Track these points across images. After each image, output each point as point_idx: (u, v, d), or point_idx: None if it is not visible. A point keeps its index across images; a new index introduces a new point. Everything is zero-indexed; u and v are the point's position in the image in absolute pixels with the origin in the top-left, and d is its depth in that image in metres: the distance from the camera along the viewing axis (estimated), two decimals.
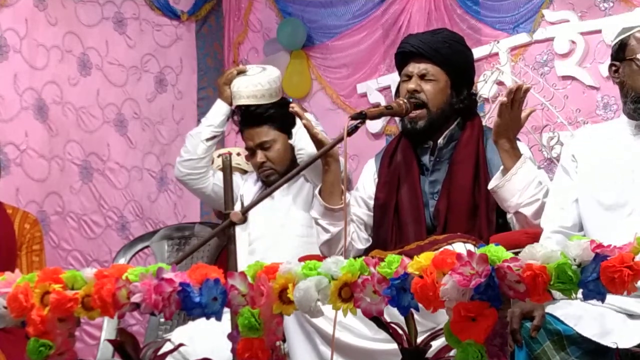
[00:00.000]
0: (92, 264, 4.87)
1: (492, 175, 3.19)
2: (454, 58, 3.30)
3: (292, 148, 3.80)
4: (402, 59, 3.35)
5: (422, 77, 3.28)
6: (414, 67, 3.29)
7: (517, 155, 3.10)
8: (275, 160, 3.82)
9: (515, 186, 3.07)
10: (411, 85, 3.27)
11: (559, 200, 2.93)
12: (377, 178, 3.39)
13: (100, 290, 2.29)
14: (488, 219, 3.18)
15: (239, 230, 3.65)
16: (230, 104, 3.89)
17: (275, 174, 3.80)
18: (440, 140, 3.29)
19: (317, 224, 3.33)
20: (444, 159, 3.28)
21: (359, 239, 3.35)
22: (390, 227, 3.28)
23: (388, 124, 4.99)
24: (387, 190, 3.32)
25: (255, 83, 3.85)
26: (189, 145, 3.93)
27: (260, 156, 3.83)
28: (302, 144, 3.68)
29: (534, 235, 2.90)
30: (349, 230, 3.29)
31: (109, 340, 3.38)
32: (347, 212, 3.25)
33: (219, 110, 3.92)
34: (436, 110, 3.26)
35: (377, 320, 2.22)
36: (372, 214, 3.37)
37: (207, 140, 3.90)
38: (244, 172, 4.25)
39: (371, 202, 3.37)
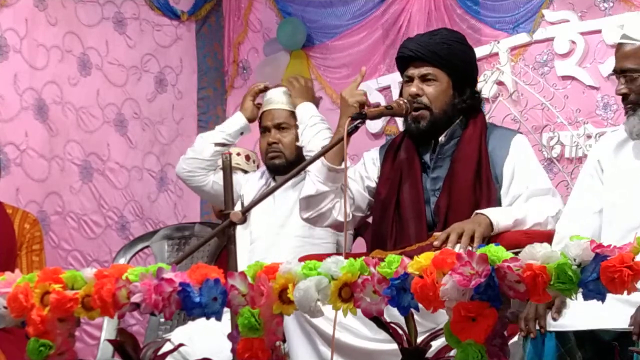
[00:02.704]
0: (92, 264, 4.87)
1: (494, 172, 3.20)
2: (453, 58, 3.29)
3: None
4: (402, 62, 3.36)
5: (423, 78, 3.28)
6: (415, 70, 3.29)
7: (485, 220, 3.05)
8: (286, 145, 3.82)
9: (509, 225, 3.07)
10: (412, 88, 3.27)
11: (578, 209, 2.93)
12: (380, 171, 3.38)
13: (100, 290, 2.29)
14: None
15: (240, 229, 3.67)
16: (249, 119, 3.92)
17: (282, 159, 3.81)
18: (441, 138, 3.29)
19: (309, 176, 3.33)
20: (446, 155, 3.28)
21: (341, 212, 3.32)
22: (391, 223, 3.28)
23: (388, 124, 4.98)
24: (389, 186, 3.32)
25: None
26: (197, 146, 3.96)
27: (273, 135, 3.83)
28: (311, 146, 3.69)
29: (534, 235, 2.90)
30: (335, 199, 3.29)
31: (109, 340, 3.38)
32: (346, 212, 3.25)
33: (236, 121, 3.95)
34: (439, 111, 3.26)
35: (377, 320, 2.22)
36: (366, 193, 3.37)
37: (217, 145, 3.91)
38: (244, 172, 4.25)
39: (368, 181, 3.38)
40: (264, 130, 3.89)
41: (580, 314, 2.52)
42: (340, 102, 3.39)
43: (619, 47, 2.85)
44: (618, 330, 2.51)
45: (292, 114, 3.84)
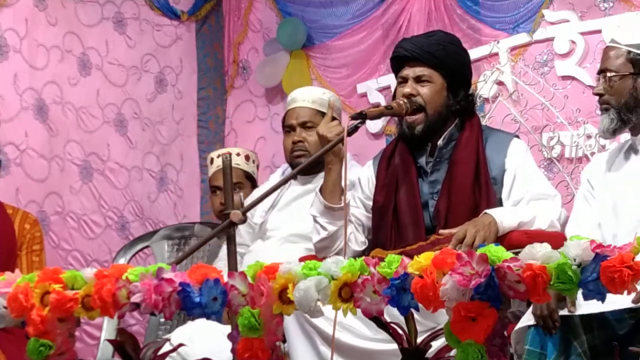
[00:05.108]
0: (92, 264, 4.87)
1: (492, 174, 3.20)
2: (449, 60, 3.31)
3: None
4: (398, 63, 3.36)
5: (417, 80, 3.29)
6: (409, 71, 3.30)
7: (495, 227, 3.09)
8: (312, 144, 3.73)
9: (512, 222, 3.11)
10: (407, 89, 3.28)
11: (580, 228, 2.98)
12: (375, 181, 3.39)
13: (100, 290, 2.29)
14: None
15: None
16: None
17: (308, 158, 3.75)
18: (440, 142, 3.29)
19: (315, 221, 3.33)
20: (444, 159, 3.28)
21: (356, 241, 3.35)
22: (389, 229, 3.28)
23: (388, 124, 4.98)
24: (386, 193, 3.32)
25: (314, 92, 3.87)
26: None
27: (298, 134, 3.77)
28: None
29: (534, 235, 2.91)
30: (349, 233, 3.29)
31: (109, 340, 3.38)
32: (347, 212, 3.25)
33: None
34: (433, 112, 3.27)
35: (377, 320, 2.22)
36: (370, 215, 3.37)
37: None
38: (244, 172, 4.23)
39: (369, 203, 3.38)
40: (289, 129, 3.81)
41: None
42: (320, 140, 3.35)
43: (605, 49, 3.04)
44: (624, 308, 2.53)
45: (318, 112, 3.76)
